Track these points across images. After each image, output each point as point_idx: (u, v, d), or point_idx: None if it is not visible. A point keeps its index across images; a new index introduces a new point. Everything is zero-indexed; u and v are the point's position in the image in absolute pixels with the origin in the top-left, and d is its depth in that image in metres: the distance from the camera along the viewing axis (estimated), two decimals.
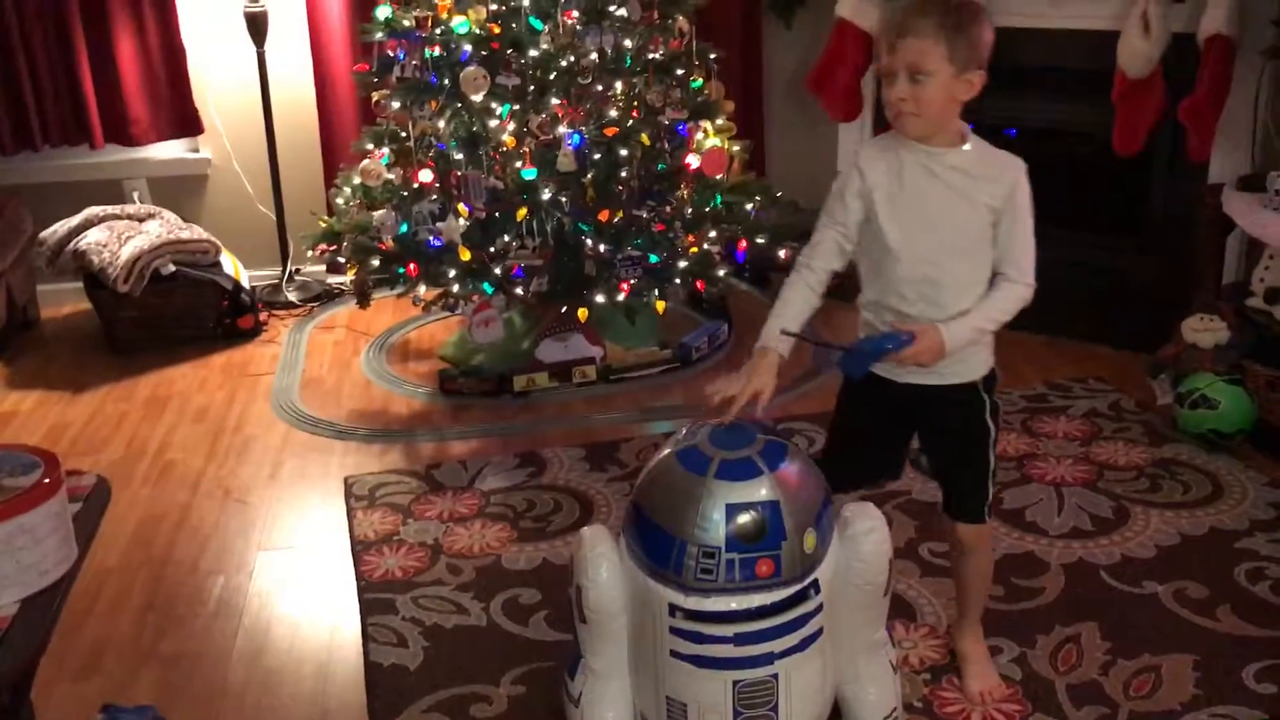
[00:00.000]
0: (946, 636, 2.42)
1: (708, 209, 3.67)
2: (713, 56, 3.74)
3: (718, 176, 3.68)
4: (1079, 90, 3.88)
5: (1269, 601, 2.50)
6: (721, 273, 3.71)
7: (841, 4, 4.37)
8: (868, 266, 2.09)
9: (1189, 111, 3.63)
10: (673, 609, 1.90)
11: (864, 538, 1.98)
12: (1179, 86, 3.67)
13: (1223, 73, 3.67)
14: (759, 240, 3.78)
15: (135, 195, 4.49)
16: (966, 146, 2.00)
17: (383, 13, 3.55)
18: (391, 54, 3.58)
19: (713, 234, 3.69)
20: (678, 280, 3.63)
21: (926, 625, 2.47)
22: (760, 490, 1.86)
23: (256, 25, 4.26)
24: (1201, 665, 2.30)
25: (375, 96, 3.67)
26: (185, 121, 4.45)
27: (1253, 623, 2.43)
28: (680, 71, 3.62)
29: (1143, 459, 3.13)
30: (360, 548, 2.84)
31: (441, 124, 3.49)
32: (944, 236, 1.99)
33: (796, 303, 2.09)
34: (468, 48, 3.41)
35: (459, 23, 3.41)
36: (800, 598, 1.90)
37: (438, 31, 3.46)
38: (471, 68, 3.37)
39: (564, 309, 3.66)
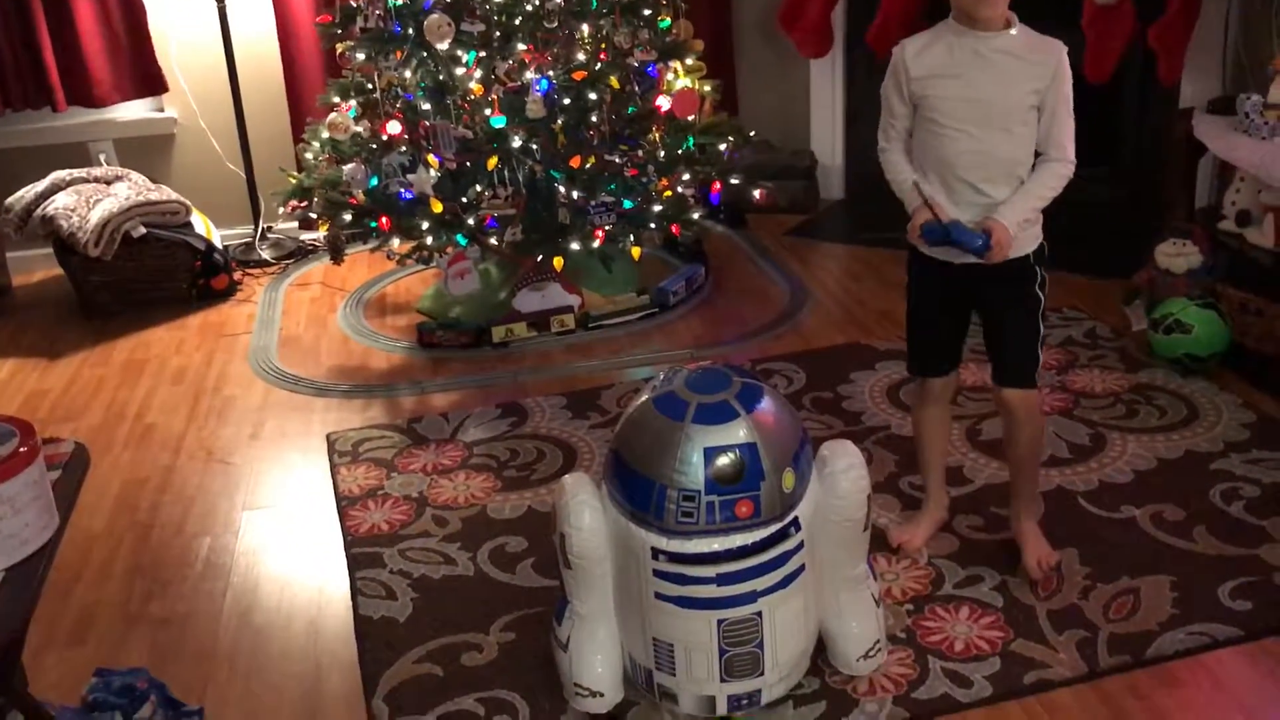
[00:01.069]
0: (929, 568, 2.45)
1: (680, 151, 3.66)
2: None
3: (689, 118, 3.65)
4: (1047, 17, 3.85)
5: (1244, 520, 2.54)
6: (696, 215, 3.70)
7: None
8: (920, 150, 2.24)
9: (1159, 36, 3.62)
10: (655, 552, 1.92)
11: (842, 475, 2.00)
12: (1148, 11, 3.66)
13: None
14: (733, 181, 3.77)
15: (101, 157, 4.44)
16: (1013, 31, 2.15)
17: None
18: (354, 4, 3.53)
19: (686, 176, 3.67)
20: (653, 225, 3.62)
21: (908, 557, 2.50)
22: (738, 432, 1.88)
23: None
24: (1179, 586, 2.34)
25: (339, 48, 3.62)
26: (148, 80, 4.39)
27: (1228, 542, 2.47)
28: (647, 12, 3.58)
29: (1119, 385, 3.16)
30: (345, 503, 2.85)
31: (408, 74, 3.45)
32: (992, 113, 2.14)
33: (908, 168, 2.27)
34: None
35: None
36: (781, 536, 1.93)
37: None
38: (435, 15, 3.33)
39: (539, 258, 3.64)
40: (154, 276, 4.08)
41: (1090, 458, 2.83)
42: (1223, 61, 3.72)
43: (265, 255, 4.50)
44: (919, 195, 2.21)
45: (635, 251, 3.64)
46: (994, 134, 2.15)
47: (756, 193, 3.84)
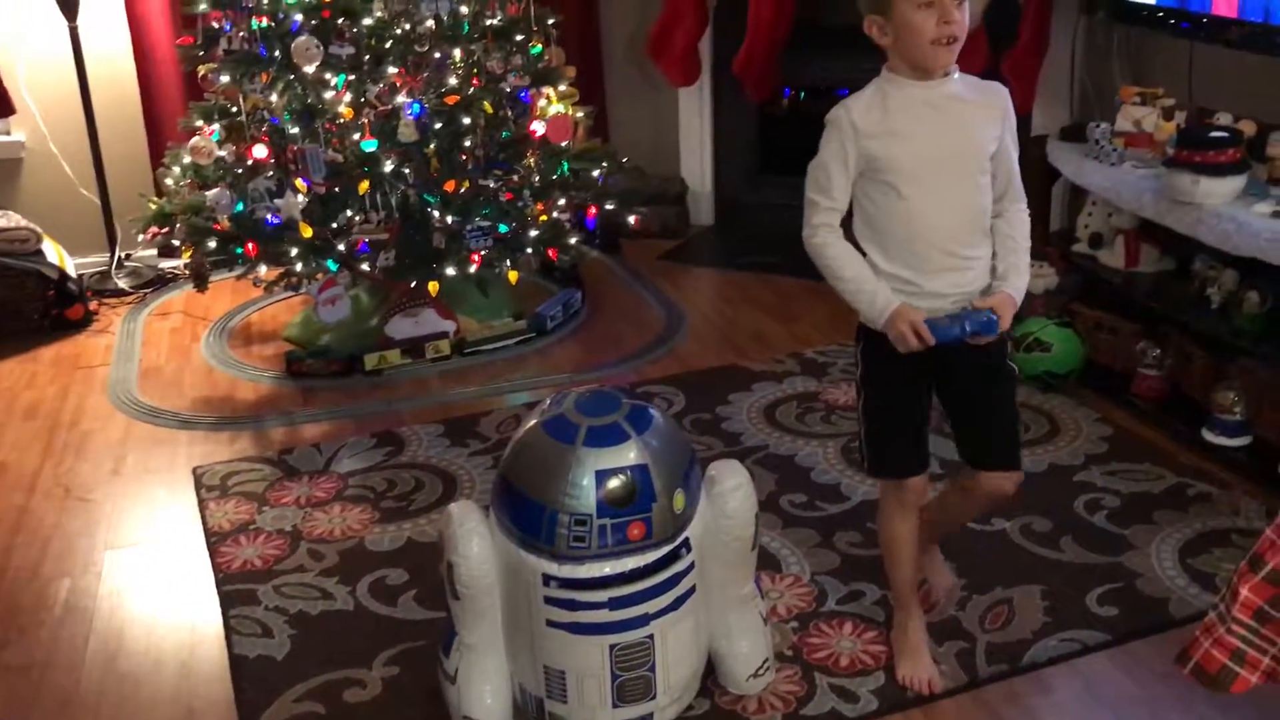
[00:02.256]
0: (811, 585, 2.49)
1: (555, 176, 3.65)
2: (551, 22, 3.70)
3: (563, 143, 3.66)
4: None
5: (1106, 530, 2.65)
6: (573, 240, 3.70)
7: None
8: (877, 224, 2.02)
9: (1011, 66, 3.78)
10: (547, 579, 1.90)
11: (730, 494, 2.02)
12: (1001, 41, 3.82)
13: (1042, 27, 3.84)
14: (608, 206, 3.78)
15: None
16: (956, 76, 1.99)
17: None
18: (217, 25, 3.44)
19: (562, 201, 3.67)
20: (529, 250, 3.60)
21: (791, 575, 2.53)
22: (629, 454, 1.87)
23: None
24: (1049, 594, 2.42)
25: (202, 70, 3.52)
26: None
27: (1093, 551, 2.56)
28: (520, 37, 3.58)
29: None
30: (215, 539, 2.75)
31: (274, 97, 3.37)
32: (958, 165, 1.99)
33: (861, 260, 2.03)
34: (298, 17, 3.29)
35: None
36: (672, 558, 1.93)
37: (264, 1, 3.33)
38: (303, 38, 3.26)
39: (413, 284, 3.59)
40: (3, 307, 3.88)
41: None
42: (1071, 90, 3.90)
43: (122, 284, 4.33)
44: (888, 292, 1.98)
45: (513, 276, 3.62)
46: (962, 186, 1.99)
47: (632, 218, 3.86)
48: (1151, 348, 3.14)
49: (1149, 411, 3.11)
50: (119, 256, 4.39)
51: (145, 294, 4.31)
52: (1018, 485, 2.15)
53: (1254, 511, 2.69)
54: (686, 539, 1.95)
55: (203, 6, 3.42)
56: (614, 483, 1.86)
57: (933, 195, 1.98)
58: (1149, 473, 2.87)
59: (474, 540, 1.94)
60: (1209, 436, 2.91)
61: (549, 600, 1.91)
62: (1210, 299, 3.01)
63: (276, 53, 3.32)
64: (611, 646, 1.93)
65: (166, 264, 4.43)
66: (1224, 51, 3.17)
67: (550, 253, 3.67)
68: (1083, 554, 2.56)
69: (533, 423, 1.96)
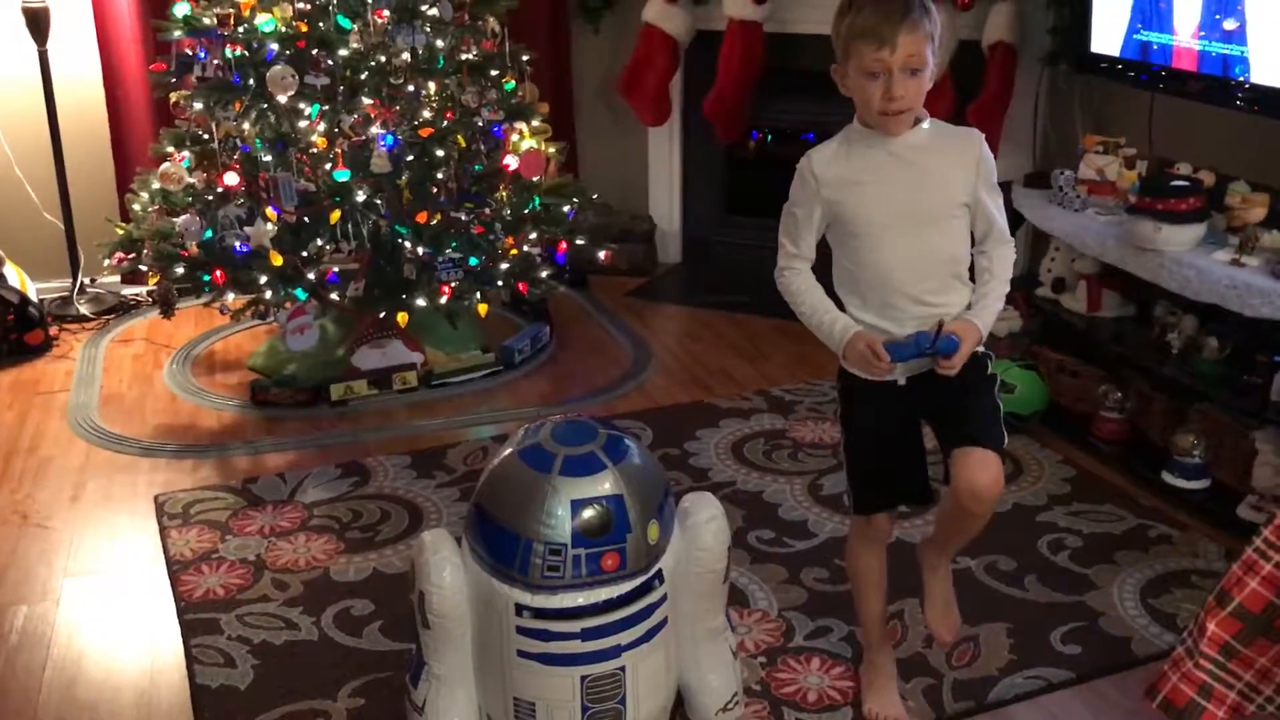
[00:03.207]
0: (779, 620, 2.49)
1: (526, 210, 3.67)
2: (525, 58, 3.73)
3: (535, 178, 3.67)
4: None
5: (1069, 569, 2.68)
6: (544, 274, 3.71)
7: (648, 9, 4.45)
8: (850, 273, 2.03)
9: (976, 113, 3.86)
10: (519, 608, 1.89)
11: (704, 526, 2.02)
12: (966, 91, 3.90)
13: (1006, 77, 3.93)
14: (579, 241, 3.80)
15: None
16: (925, 125, 1.97)
17: (181, 10, 3.40)
18: (190, 53, 3.43)
19: (533, 235, 3.68)
20: (500, 283, 3.61)
21: (759, 610, 2.53)
22: (604, 484, 1.87)
23: (37, 23, 4.01)
24: (1015, 632, 2.44)
25: (174, 97, 3.51)
26: None
27: (1057, 590, 2.59)
28: (494, 73, 3.60)
29: None
30: (177, 568, 2.71)
31: (246, 125, 3.37)
32: (919, 214, 1.96)
33: (821, 292, 2.05)
34: (274, 46, 3.30)
35: (264, 20, 3.30)
36: (646, 589, 1.93)
37: (240, 30, 3.33)
38: (278, 67, 3.26)
39: (382, 314, 3.58)
40: None
41: (927, 510, 2.93)
42: (1034, 138, 3.98)
43: (84, 310, 4.28)
44: (846, 320, 2.00)
45: (482, 309, 3.62)
46: (930, 235, 1.97)
47: (602, 254, 3.88)
48: (1113, 391, 3.19)
49: (1110, 454, 3.16)
50: (81, 282, 4.34)
51: (107, 320, 4.27)
52: (996, 477, 2.01)
53: (1213, 553, 2.73)
54: (660, 570, 1.95)
55: (177, 34, 3.42)
56: (589, 512, 1.85)
57: (900, 244, 1.97)
58: (1110, 514, 2.91)
59: (446, 569, 1.92)
60: (1169, 479, 2.96)
61: (521, 630, 1.90)
62: (1170, 344, 3.07)
63: (251, 81, 3.31)
64: (583, 678, 1.91)
65: (129, 290, 4.40)
66: (1184, 103, 3.25)
67: (520, 286, 3.68)
68: (1047, 593, 2.59)
69: (508, 451, 1.95)
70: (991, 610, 2.52)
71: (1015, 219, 3.63)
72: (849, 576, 2.28)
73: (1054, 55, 3.82)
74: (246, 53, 3.34)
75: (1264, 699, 1.55)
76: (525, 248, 3.67)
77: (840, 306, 2.05)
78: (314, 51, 3.33)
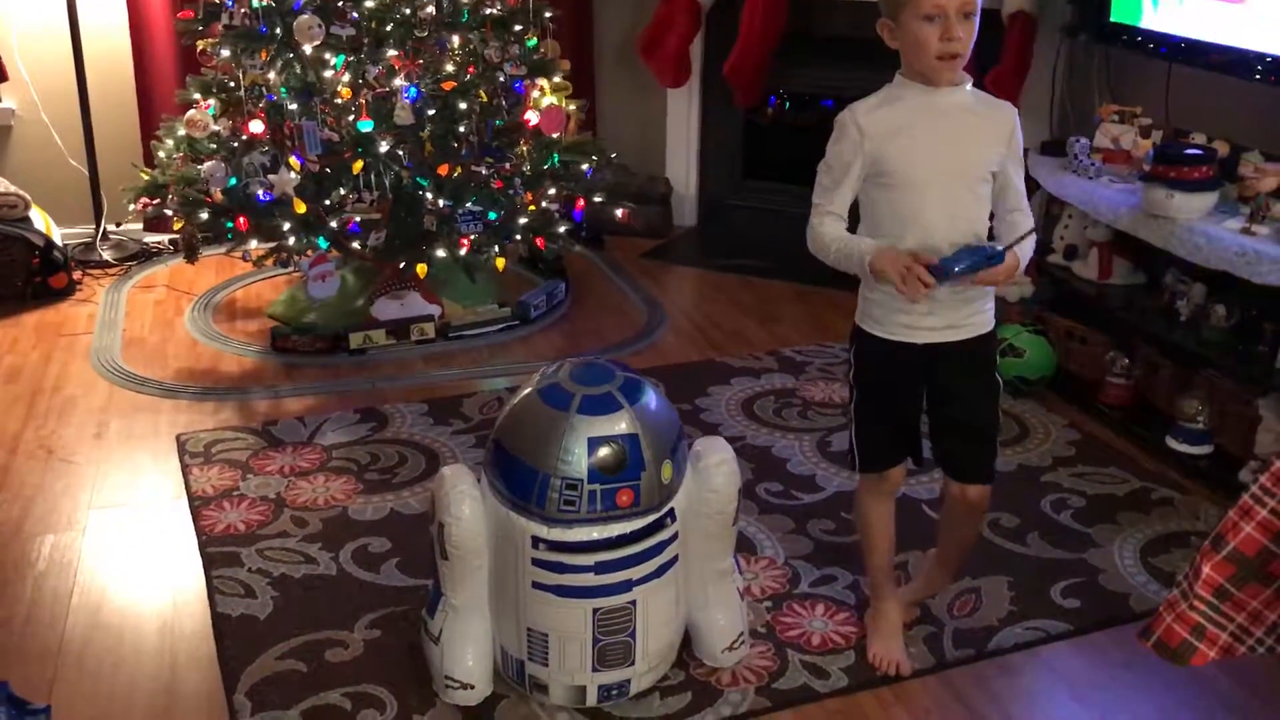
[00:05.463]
0: (785, 567, 2.55)
1: (546, 167, 3.71)
2: (548, 15, 3.76)
3: (555, 135, 3.71)
4: (890, 60, 4.10)
5: (1070, 528, 2.73)
6: (562, 229, 3.75)
7: None
8: (875, 222, 2.06)
9: (995, 82, 3.87)
10: (535, 541, 1.95)
11: (715, 469, 2.08)
12: (985, 60, 3.91)
13: (1025, 47, 3.94)
14: (596, 199, 3.84)
15: None
16: (966, 87, 2.02)
17: None
18: (217, 1, 3.47)
19: (551, 191, 3.73)
20: (518, 237, 3.66)
21: (766, 558, 2.59)
22: (620, 424, 1.93)
23: None
24: (1015, 586, 2.50)
25: (201, 45, 3.55)
26: None
27: (1058, 547, 2.65)
28: (518, 28, 3.63)
29: None
30: (199, 503, 2.78)
31: (272, 74, 3.41)
32: (956, 168, 2.00)
33: (844, 229, 2.06)
34: None
35: None
36: (658, 526, 1.99)
37: None
38: (305, 16, 3.31)
39: (402, 264, 3.63)
40: None
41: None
42: (1051, 106, 4.00)
43: (106, 256, 4.34)
44: (870, 241, 2.01)
45: (500, 263, 3.67)
46: (959, 193, 2.01)
47: (619, 212, 3.92)
48: (1120, 357, 3.23)
49: (1116, 418, 3.20)
50: (105, 228, 4.40)
51: (129, 266, 4.33)
52: (983, 498, 2.20)
53: (1214, 516, 2.78)
54: (671, 509, 2.01)
55: None
56: (605, 450, 1.91)
57: (929, 197, 2.00)
58: (1114, 476, 2.96)
59: (466, 502, 1.99)
60: (1172, 444, 3.01)
61: (536, 562, 1.96)
62: (1179, 312, 3.11)
63: (277, 30, 3.36)
64: (595, 610, 1.98)
65: (151, 238, 4.45)
66: (1200, 74, 3.28)
67: (538, 241, 3.72)
68: (1048, 549, 2.64)
69: (528, 390, 2.01)
70: (994, 564, 2.57)
71: (1030, 186, 3.67)
72: (857, 528, 2.34)
73: (1073, 26, 3.84)
74: (273, 2, 3.37)
75: (1254, 640, 1.60)
76: (544, 204, 3.72)
77: None
78: (340, 2, 3.37)
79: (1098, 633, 2.37)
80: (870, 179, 2.04)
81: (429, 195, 3.49)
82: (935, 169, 2.00)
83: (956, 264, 1.93)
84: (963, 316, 2.08)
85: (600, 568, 1.95)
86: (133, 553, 2.62)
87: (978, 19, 1.95)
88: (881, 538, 2.28)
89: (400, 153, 3.44)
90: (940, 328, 2.07)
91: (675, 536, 2.03)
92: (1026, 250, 2.03)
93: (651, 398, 2.00)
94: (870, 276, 2.01)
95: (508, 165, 3.62)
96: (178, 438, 3.10)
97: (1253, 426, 2.84)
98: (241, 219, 3.47)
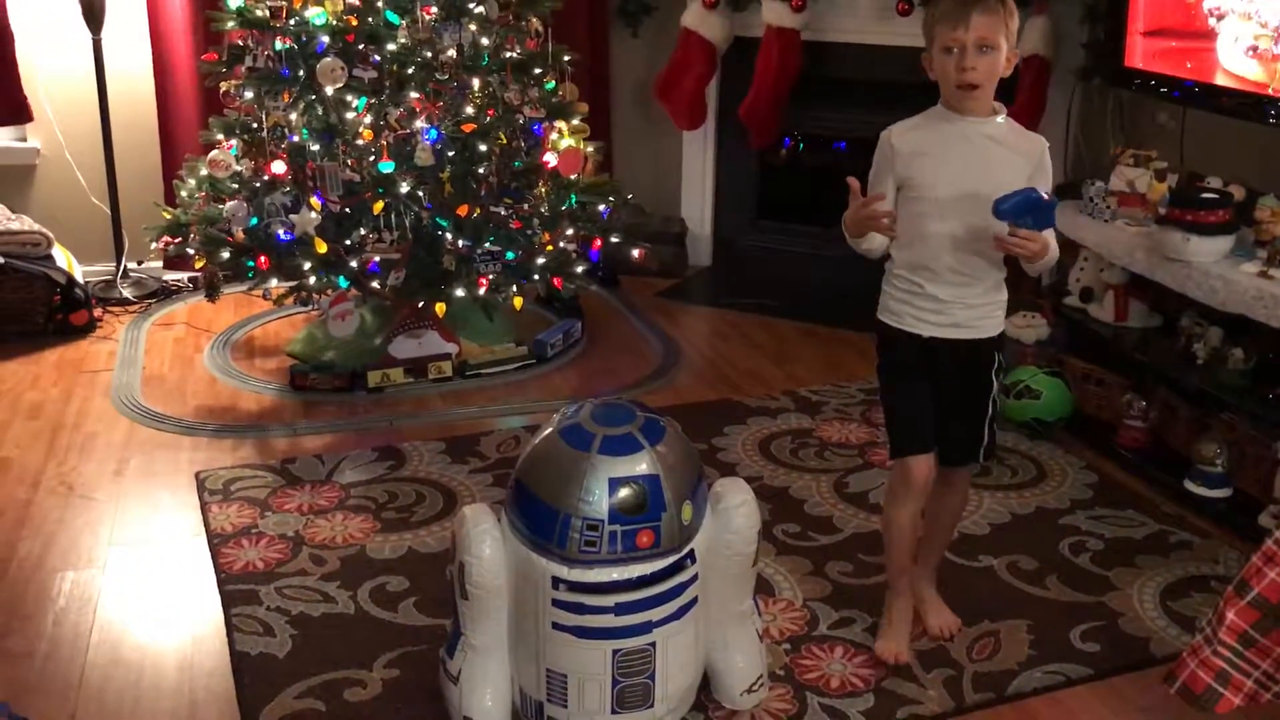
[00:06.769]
0: (804, 609, 2.55)
1: (564, 208, 3.74)
2: (567, 59, 3.81)
3: (572, 176, 3.75)
4: (904, 103, 4.13)
5: (1089, 570, 2.72)
6: (579, 269, 3.78)
7: (687, 14, 4.52)
8: (906, 230, 2.22)
9: None
10: (556, 581, 1.95)
11: (735, 510, 2.08)
12: (1000, 102, 3.94)
13: (1039, 90, 3.97)
14: (613, 239, 3.87)
15: None
16: (999, 119, 2.19)
17: (234, 2, 3.50)
18: (241, 44, 3.53)
19: (569, 232, 3.76)
20: (535, 277, 3.68)
21: (784, 599, 2.59)
22: (641, 464, 1.94)
23: (93, 11, 4.12)
24: (1035, 629, 2.49)
25: (224, 86, 3.61)
26: (13, 109, 4.25)
27: (1078, 590, 2.64)
28: (537, 71, 3.68)
29: None
30: (217, 541, 2.79)
31: (294, 116, 3.46)
32: (977, 195, 2.13)
33: None
34: (324, 39, 3.39)
35: (315, 14, 3.39)
36: (678, 567, 1.99)
37: (291, 23, 3.42)
38: (328, 59, 3.35)
39: (421, 303, 3.66)
40: (10, 308, 3.93)
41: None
42: (1065, 150, 4.03)
43: (127, 293, 4.38)
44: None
45: (518, 302, 3.70)
46: (976, 215, 2.14)
47: (636, 252, 3.95)
48: (1137, 400, 3.23)
49: (1133, 461, 3.20)
50: (125, 266, 4.44)
51: (149, 304, 4.37)
52: (966, 478, 2.41)
53: (1233, 560, 2.77)
54: (692, 550, 2.02)
55: (230, 25, 3.51)
56: (626, 490, 1.92)
57: (951, 216, 2.17)
58: (1132, 519, 2.95)
59: (487, 541, 1.99)
60: (1191, 487, 3.00)
61: (557, 603, 1.96)
62: (1196, 355, 3.11)
63: (300, 72, 3.41)
64: (614, 652, 1.98)
65: (171, 276, 4.50)
66: (1215, 118, 3.30)
67: (555, 281, 3.75)
68: (1067, 592, 2.63)
69: (549, 430, 2.02)
70: (1013, 607, 2.56)
71: None
72: (883, 526, 2.41)
73: (1088, 70, 3.87)
74: (296, 45, 3.43)
75: None
76: (561, 244, 3.75)
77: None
78: (362, 45, 3.42)
79: (1118, 677, 2.36)
80: (901, 191, 2.23)
81: (448, 235, 3.52)
82: (954, 190, 2.17)
83: (1006, 201, 2.07)
84: (968, 319, 2.24)
85: (620, 609, 1.96)
86: (152, 589, 2.63)
87: (1002, 55, 2.12)
88: (903, 538, 2.36)
89: (420, 193, 3.48)
90: (945, 325, 2.24)
91: (695, 578, 2.03)
92: (1054, 246, 2.17)
93: (672, 438, 2.02)
94: (857, 241, 2.23)
95: (526, 206, 3.66)
96: (197, 475, 3.12)
97: (1272, 470, 2.83)
98: (263, 258, 3.50)
